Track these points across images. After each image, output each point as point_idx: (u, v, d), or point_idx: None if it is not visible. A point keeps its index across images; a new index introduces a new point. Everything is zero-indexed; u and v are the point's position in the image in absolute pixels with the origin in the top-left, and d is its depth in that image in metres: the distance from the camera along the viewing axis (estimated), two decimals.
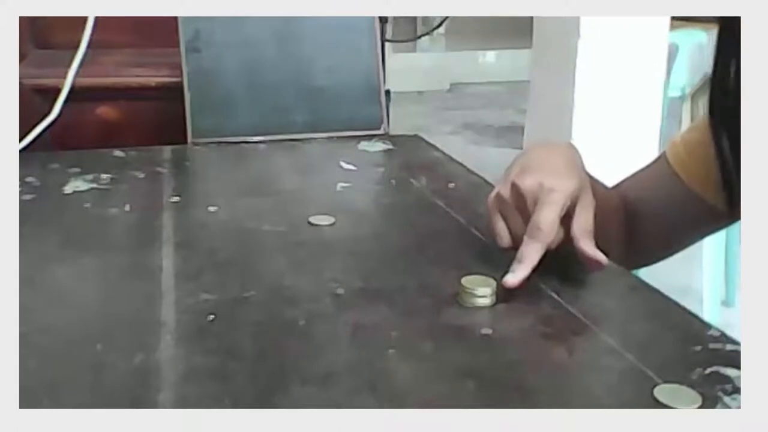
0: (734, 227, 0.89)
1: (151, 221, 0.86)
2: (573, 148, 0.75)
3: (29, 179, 0.97)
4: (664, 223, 0.88)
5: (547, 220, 0.67)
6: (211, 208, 0.90)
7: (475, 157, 2.94)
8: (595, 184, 0.81)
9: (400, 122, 1.77)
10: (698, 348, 0.59)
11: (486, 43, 5.71)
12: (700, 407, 0.52)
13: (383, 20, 1.86)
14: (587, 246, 0.68)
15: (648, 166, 0.91)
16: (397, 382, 0.56)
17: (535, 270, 0.68)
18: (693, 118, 3.27)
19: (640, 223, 0.88)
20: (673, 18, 2.64)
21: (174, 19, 1.20)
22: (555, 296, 0.68)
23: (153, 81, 1.31)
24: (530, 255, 0.67)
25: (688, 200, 0.85)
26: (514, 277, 0.66)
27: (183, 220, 0.87)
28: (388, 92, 1.33)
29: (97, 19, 1.13)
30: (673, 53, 2.79)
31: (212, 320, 0.64)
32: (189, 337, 0.62)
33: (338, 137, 1.20)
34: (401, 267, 0.75)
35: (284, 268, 0.75)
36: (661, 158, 0.89)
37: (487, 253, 0.73)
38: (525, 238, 0.68)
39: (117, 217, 0.87)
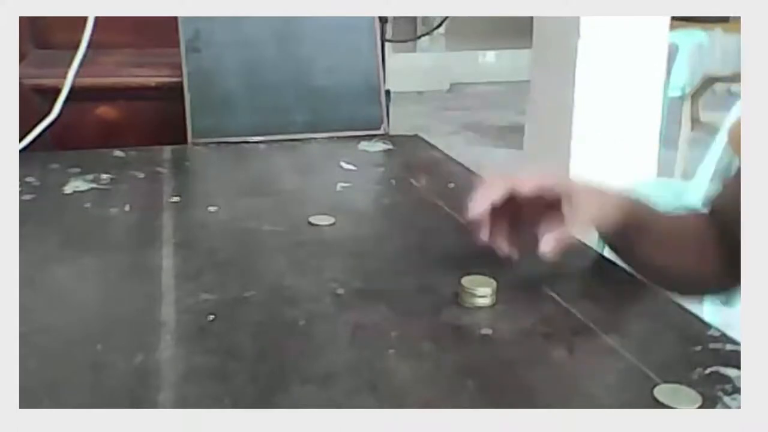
0: None
1: (151, 221, 0.86)
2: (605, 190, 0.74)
3: (29, 179, 0.97)
4: None
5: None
6: (211, 208, 0.90)
7: (475, 157, 2.94)
8: (647, 210, 0.76)
9: (400, 122, 1.77)
10: (698, 348, 0.59)
11: (486, 43, 5.71)
12: (700, 407, 0.52)
13: (383, 20, 1.86)
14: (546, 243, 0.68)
15: (735, 178, 0.78)
16: (397, 382, 0.56)
17: (534, 270, 0.68)
18: (693, 118, 3.27)
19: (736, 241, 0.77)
20: (673, 18, 2.64)
21: (174, 19, 1.20)
22: (555, 296, 0.68)
23: (153, 81, 1.30)
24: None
25: None
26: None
27: (183, 220, 0.87)
28: (388, 92, 1.33)
29: (97, 19, 1.13)
30: (673, 53, 2.79)
31: (212, 320, 0.63)
32: (189, 337, 0.62)
33: (338, 137, 1.20)
34: (401, 267, 0.75)
35: (284, 268, 0.75)
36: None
37: (487, 253, 0.73)
38: None
39: (117, 217, 0.87)
